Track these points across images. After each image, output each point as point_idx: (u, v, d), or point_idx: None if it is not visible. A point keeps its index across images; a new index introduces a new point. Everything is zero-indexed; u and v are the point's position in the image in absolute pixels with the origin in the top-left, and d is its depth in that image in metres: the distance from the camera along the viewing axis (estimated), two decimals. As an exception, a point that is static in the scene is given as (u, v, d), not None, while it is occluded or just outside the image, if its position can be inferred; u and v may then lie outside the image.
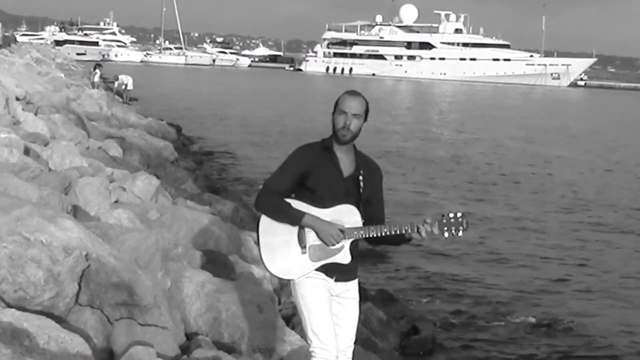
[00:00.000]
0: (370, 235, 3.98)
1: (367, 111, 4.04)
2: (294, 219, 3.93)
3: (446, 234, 3.95)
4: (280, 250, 3.96)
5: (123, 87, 30.91)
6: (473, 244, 12.59)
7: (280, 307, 6.67)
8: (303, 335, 4.16)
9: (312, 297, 3.96)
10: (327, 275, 4.00)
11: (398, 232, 3.97)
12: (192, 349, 4.88)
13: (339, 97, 4.04)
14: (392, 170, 20.15)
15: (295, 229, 3.96)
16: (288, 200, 3.96)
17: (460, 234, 3.96)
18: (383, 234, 3.98)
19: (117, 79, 30.64)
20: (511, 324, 8.81)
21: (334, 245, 3.95)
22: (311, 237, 3.96)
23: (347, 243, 4.00)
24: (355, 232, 3.98)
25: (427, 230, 3.94)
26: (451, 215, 3.96)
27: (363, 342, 6.73)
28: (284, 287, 7.23)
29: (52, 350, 4.01)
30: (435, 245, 12.19)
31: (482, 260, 11.62)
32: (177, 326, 5.04)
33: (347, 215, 4.00)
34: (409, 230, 3.96)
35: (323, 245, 3.96)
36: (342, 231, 3.95)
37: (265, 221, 3.97)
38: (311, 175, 3.96)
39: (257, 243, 4.02)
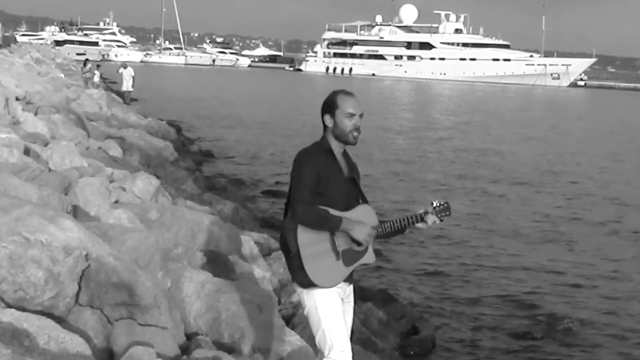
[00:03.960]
0: (387, 231, 4.05)
1: None
2: (336, 224, 3.89)
3: (438, 220, 4.11)
4: (321, 260, 3.91)
5: (121, 72, 29.63)
6: (473, 244, 12.60)
7: (280, 307, 6.67)
8: (315, 344, 4.07)
9: (329, 306, 3.92)
10: (345, 280, 4.02)
11: (407, 224, 4.06)
12: (192, 349, 4.87)
13: (336, 98, 4.00)
14: (396, 165, 20.15)
15: (328, 236, 3.92)
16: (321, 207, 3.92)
17: (446, 218, 4.14)
18: (396, 228, 4.06)
19: (125, 66, 29.56)
20: (512, 324, 8.81)
21: (368, 244, 3.99)
22: (341, 242, 3.95)
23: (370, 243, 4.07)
24: (375, 231, 4.04)
25: (432, 220, 4.06)
26: (437, 202, 4.11)
27: (363, 342, 6.74)
28: (284, 287, 7.24)
29: (52, 350, 4.00)
30: (434, 245, 12.20)
31: (483, 261, 11.61)
32: (177, 326, 5.03)
33: (367, 215, 4.04)
34: (417, 221, 4.06)
35: (351, 249, 3.97)
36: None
37: (303, 233, 3.89)
38: (321, 180, 3.93)
39: (295, 256, 3.91)
